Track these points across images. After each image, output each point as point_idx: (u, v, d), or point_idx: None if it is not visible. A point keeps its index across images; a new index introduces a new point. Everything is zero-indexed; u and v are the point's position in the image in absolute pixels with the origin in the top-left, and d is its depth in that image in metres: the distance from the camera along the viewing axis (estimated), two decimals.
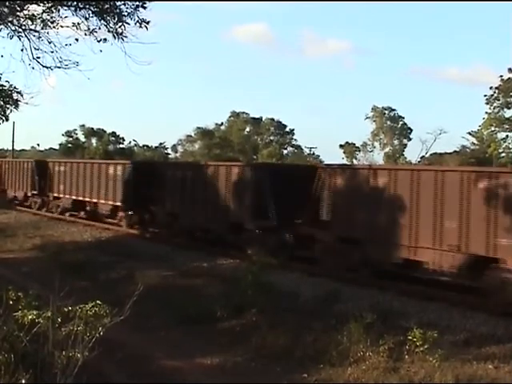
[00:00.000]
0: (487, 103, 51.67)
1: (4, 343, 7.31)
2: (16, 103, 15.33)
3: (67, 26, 14.22)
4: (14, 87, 15.42)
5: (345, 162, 68.28)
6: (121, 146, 75.06)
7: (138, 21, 13.97)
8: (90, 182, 31.71)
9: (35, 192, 37.42)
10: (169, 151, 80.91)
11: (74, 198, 33.37)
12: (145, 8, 14.17)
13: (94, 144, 74.93)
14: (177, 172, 26.26)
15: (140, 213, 28.40)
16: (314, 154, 77.58)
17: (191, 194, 24.63)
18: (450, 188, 15.74)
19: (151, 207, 27.15)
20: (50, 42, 14.29)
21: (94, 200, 31.44)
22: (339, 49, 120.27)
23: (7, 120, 16.15)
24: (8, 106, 15.40)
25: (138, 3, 14.10)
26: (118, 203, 29.17)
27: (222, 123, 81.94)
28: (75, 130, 75.04)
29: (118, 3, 14.08)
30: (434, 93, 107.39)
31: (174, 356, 11.53)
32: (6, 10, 14.10)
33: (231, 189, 22.68)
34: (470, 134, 60.43)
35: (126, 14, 14.05)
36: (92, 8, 14.06)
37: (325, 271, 17.93)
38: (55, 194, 35.50)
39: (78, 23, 14.08)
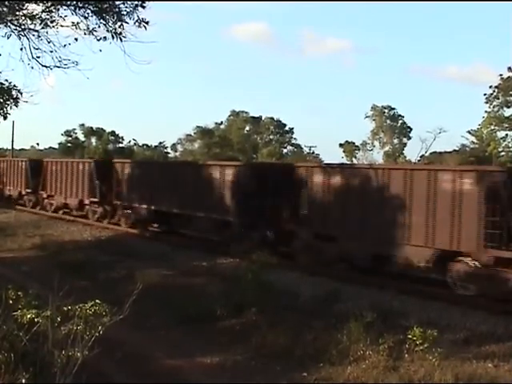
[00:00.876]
0: (487, 102, 51.69)
1: (4, 342, 7.33)
2: (16, 101, 15.31)
3: (67, 26, 14.21)
4: (14, 85, 15.41)
5: (344, 161, 68.20)
6: (120, 145, 75.11)
7: (137, 20, 13.96)
8: (183, 188, 25.01)
9: (95, 199, 31.11)
10: (168, 150, 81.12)
11: (153, 207, 26.96)
12: (144, 7, 14.15)
13: (94, 143, 74.95)
14: (332, 177, 19.25)
15: (260, 232, 21.43)
16: (313, 153, 77.75)
17: (363, 210, 18.11)
18: None
19: (283, 225, 20.46)
20: (49, 42, 14.27)
21: (187, 212, 24.70)
22: (339, 48, 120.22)
23: (6, 118, 16.13)
24: (8, 103, 15.37)
25: (137, 2, 14.07)
26: (230, 218, 22.55)
27: (222, 122, 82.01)
28: (74, 129, 75.11)
29: (117, 2, 14.06)
30: (433, 92, 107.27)
31: (174, 355, 11.53)
32: (5, 9, 14.08)
33: (440, 202, 16.14)
34: (469, 132, 60.34)
35: (125, 13, 14.03)
36: (91, 7, 14.04)
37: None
38: (125, 203, 28.93)
39: (78, 23, 14.07)
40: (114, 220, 30.17)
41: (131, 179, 28.64)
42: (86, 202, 32.02)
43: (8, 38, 14.17)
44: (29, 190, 38.35)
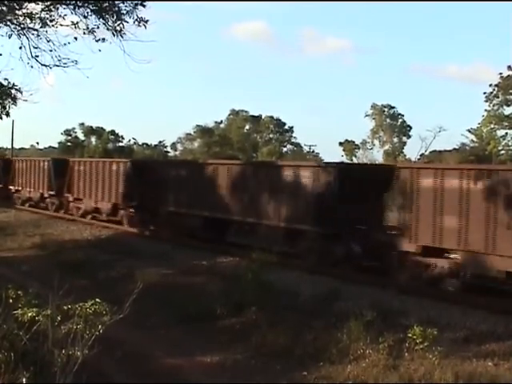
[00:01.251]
0: (487, 101, 51.75)
1: (4, 342, 7.32)
2: (14, 100, 15.31)
3: (66, 25, 14.21)
4: (13, 84, 15.40)
5: (344, 159, 68.23)
6: (120, 144, 75.19)
7: (136, 19, 13.95)
8: (245, 193, 22.13)
9: (132, 204, 28.29)
10: (168, 149, 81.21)
11: (206, 214, 23.65)
12: (144, 6, 14.15)
13: (94, 142, 75.00)
14: (448, 180, 16.09)
15: (344, 244, 18.80)
16: (313, 151, 77.81)
17: (491, 218, 15.13)
18: None
19: (374, 236, 17.71)
20: (48, 41, 14.29)
21: (250, 219, 21.73)
22: (339, 47, 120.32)
23: (8, 116, 16.14)
24: (6, 102, 15.37)
25: (136, 2, 14.07)
26: (305, 227, 19.47)
27: (222, 121, 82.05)
28: (74, 128, 75.26)
29: (117, 2, 14.06)
30: (433, 90, 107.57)
31: (174, 354, 11.53)
32: (4, 8, 14.08)
33: None
34: (469, 131, 60.44)
35: (124, 12, 14.03)
36: (91, 6, 14.04)
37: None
38: (170, 209, 25.82)
39: (77, 22, 14.08)
40: (153, 227, 27.41)
41: (179, 182, 25.33)
42: (121, 206, 29.01)
43: (9, 37, 14.20)
44: (52, 193, 35.39)
